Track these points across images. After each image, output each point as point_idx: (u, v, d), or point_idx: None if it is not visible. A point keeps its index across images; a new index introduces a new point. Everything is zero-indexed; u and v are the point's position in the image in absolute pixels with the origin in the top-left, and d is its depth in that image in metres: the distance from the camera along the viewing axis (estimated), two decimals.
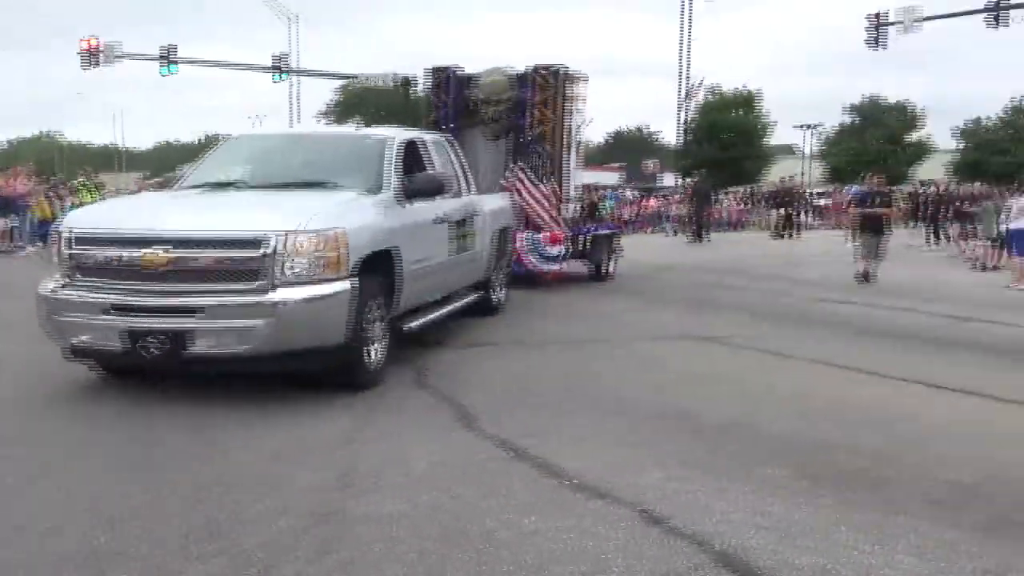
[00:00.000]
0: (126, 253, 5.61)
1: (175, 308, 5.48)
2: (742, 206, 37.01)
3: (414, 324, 7.12)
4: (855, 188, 26.56)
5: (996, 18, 31.59)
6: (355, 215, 6.10)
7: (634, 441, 5.14)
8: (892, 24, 34.49)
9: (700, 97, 49.93)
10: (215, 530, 3.80)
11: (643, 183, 50.40)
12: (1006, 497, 4.37)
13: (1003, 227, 15.56)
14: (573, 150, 13.04)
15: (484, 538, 3.71)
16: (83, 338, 5.77)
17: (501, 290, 9.98)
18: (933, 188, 26.65)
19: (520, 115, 12.36)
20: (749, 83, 67.47)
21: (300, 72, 40.46)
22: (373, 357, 6.32)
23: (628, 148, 76.85)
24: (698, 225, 25.64)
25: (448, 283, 8.14)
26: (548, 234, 11.95)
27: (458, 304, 8.36)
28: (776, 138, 59.04)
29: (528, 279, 12.03)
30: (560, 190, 12.50)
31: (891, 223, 14.39)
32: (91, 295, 5.68)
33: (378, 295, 6.36)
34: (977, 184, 29.69)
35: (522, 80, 12.37)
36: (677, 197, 32.65)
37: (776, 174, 50.08)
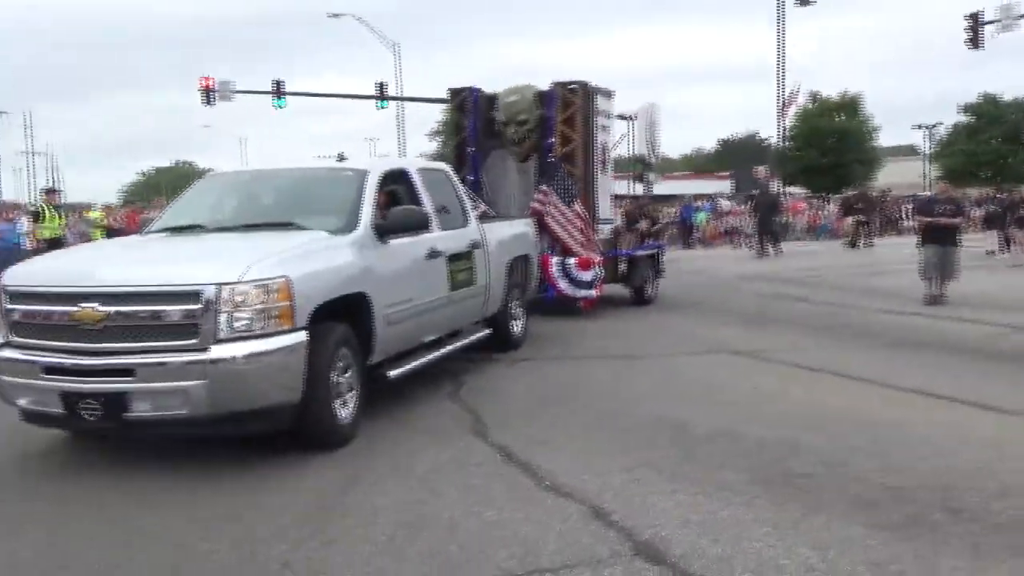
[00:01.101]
0: (60, 309, 5.23)
1: (109, 369, 5.06)
2: (816, 212, 35.49)
3: (398, 371, 6.58)
4: (925, 195, 24.97)
5: None
6: (308, 260, 5.58)
7: (618, 449, 5.52)
8: (990, 23, 32.70)
9: (800, 102, 48.27)
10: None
11: (754, 190, 49.06)
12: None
13: None
14: (605, 168, 12.37)
15: (448, 527, 4.31)
16: (25, 401, 5.43)
17: (520, 323, 9.37)
18: (1006, 195, 24.74)
19: (545, 135, 11.77)
20: (851, 86, 64.39)
21: (400, 98, 41.17)
22: (344, 411, 5.80)
23: (738, 154, 74.44)
24: (761, 238, 24.46)
25: (446, 322, 7.58)
26: (579, 259, 11.29)
27: (458, 344, 7.78)
28: (895, 138, 55.82)
29: (564, 306, 11.41)
30: (590, 211, 11.84)
31: (959, 235, 13.07)
32: (28, 355, 5.32)
33: (347, 344, 5.85)
34: None
35: (545, 98, 11.78)
36: (740, 209, 31.01)
37: (888, 177, 47.80)
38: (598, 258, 11.47)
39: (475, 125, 12.20)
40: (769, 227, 24.55)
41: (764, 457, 5.26)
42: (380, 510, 4.57)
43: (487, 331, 8.46)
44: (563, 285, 11.33)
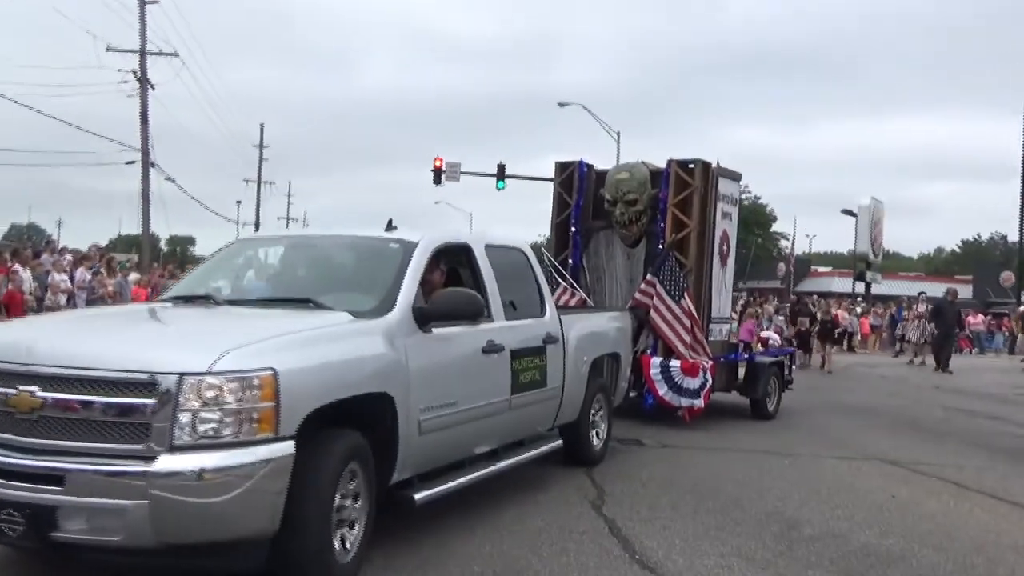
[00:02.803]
0: None
1: (37, 474, 3.94)
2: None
3: (427, 493, 5.25)
4: None
5: None
6: (309, 349, 4.37)
7: (720, 536, 5.69)
8: None
9: None
10: None
11: (999, 298, 46.34)
12: None
13: None
14: (725, 261, 10.85)
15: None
16: None
17: (602, 433, 7.90)
18: None
19: (656, 218, 10.42)
20: None
21: None
22: (346, 545, 4.51)
23: (983, 258, 69.78)
24: (938, 353, 21.48)
25: (505, 430, 6.23)
26: (683, 363, 9.75)
27: (518, 458, 6.40)
28: None
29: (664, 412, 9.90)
30: (701, 307, 10.32)
31: None
32: None
33: (359, 457, 4.59)
34: None
35: (658, 178, 10.46)
36: (910, 314, 26.83)
37: None
38: (707, 363, 9.89)
39: (580, 203, 10.99)
40: (948, 342, 21.78)
41: (861, 563, 5.30)
42: (483, 556, 5.07)
43: (557, 442, 7.03)
44: (663, 391, 9.79)
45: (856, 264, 38.91)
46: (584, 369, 7.36)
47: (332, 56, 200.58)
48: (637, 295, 10.21)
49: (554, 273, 10.75)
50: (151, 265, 25.53)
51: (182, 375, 3.86)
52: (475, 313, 5.40)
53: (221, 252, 6.36)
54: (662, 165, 10.49)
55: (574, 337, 7.20)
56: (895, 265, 69.63)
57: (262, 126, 54.19)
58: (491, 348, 5.83)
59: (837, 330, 19.76)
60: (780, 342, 18.86)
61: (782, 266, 49.62)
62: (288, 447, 4.05)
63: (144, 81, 29.31)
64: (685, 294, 9.89)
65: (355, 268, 5.77)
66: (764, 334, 18.84)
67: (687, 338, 9.87)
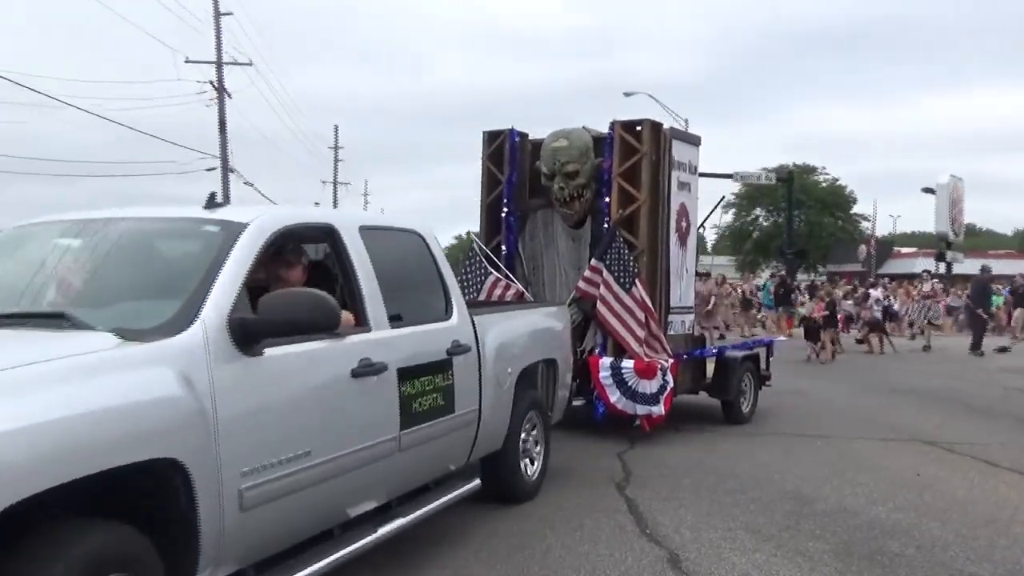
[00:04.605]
0: None
1: None
2: None
3: None
4: None
5: None
6: (21, 398, 2.66)
7: (732, 513, 5.87)
8: None
9: None
10: None
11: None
12: None
13: None
14: (685, 240, 9.26)
15: (543, 551, 5.03)
16: None
17: (536, 462, 6.29)
18: None
19: (602, 192, 8.80)
20: None
21: None
22: None
23: None
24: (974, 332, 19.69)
25: (394, 479, 4.56)
26: (637, 362, 8.16)
27: (416, 514, 4.72)
28: None
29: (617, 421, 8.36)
30: (659, 297, 8.73)
31: None
32: None
33: (123, 567, 2.90)
34: None
35: (602, 145, 8.84)
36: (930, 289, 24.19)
37: None
38: (666, 361, 8.31)
39: (513, 179, 9.32)
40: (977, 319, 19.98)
41: (865, 535, 5.40)
42: (498, 532, 5.34)
43: (472, 483, 5.37)
44: (615, 397, 8.18)
45: (938, 244, 37.73)
46: (509, 383, 5.73)
47: (400, 55, 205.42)
48: (581, 284, 8.59)
49: (486, 263, 9.12)
50: None
51: None
52: (326, 321, 3.69)
53: None
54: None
55: (494, 343, 5.56)
56: (987, 243, 67.42)
57: (336, 127, 57.15)
58: (366, 369, 4.16)
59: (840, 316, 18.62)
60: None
61: (863, 248, 47.72)
62: None
63: (221, 90, 30.30)
64: (637, 281, 8.28)
65: (149, 264, 4.00)
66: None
67: (640, 333, 8.26)
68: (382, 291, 4.51)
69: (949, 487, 6.68)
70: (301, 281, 4.37)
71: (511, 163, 9.29)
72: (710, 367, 9.68)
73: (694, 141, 9.38)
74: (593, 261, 8.49)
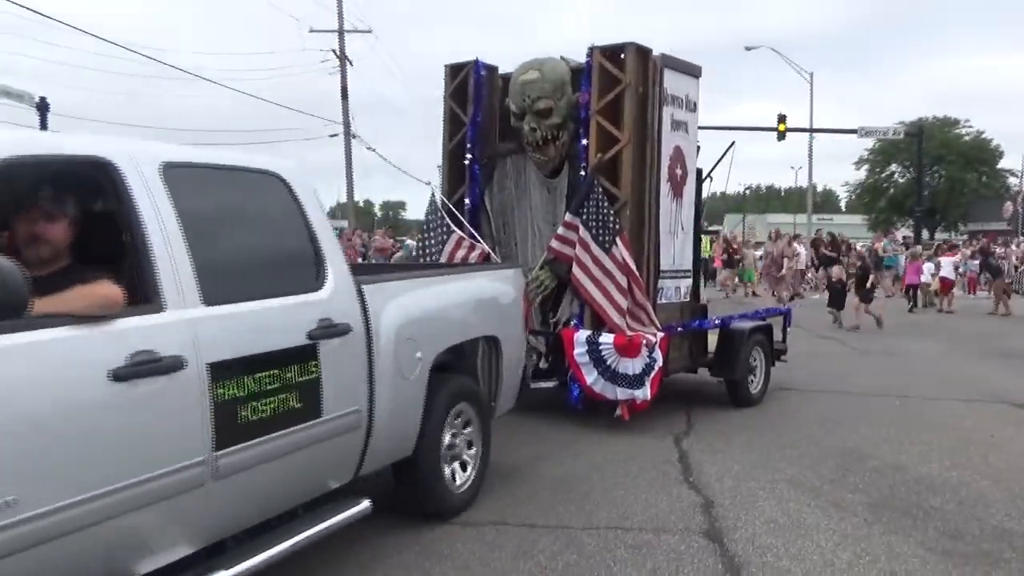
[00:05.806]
0: None
1: None
2: None
3: None
4: None
5: None
6: None
7: (781, 466, 5.85)
8: None
9: None
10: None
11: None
12: None
13: None
14: (680, 191, 7.79)
15: (587, 489, 5.29)
16: None
17: (469, 467, 4.98)
18: None
19: (581, 133, 7.36)
20: None
21: (803, 130, 37.56)
22: None
23: None
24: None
25: (213, 516, 3.26)
26: (617, 337, 6.79)
27: (258, 558, 3.44)
28: None
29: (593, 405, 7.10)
30: (647, 259, 7.31)
31: None
32: None
33: None
34: None
35: (580, 76, 7.38)
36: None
37: None
38: (654, 336, 6.93)
39: (478, 119, 7.92)
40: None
41: (909, 489, 5.34)
42: (548, 475, 5.59)
43: (361, 506, 4.04)
44: (592, 378, 6.83)
45: None
46: (420, 370, 4.39)
47: (516, 18, 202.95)
48: (554, 244, 7.19)
49: (448, 219, 7.78)
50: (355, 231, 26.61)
51: None
52: (6, 299, 2.39)
53: None
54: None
55: (395, 320, 4.21)
56: None
57: None
58: (141, 368, 2.86)
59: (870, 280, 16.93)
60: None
61: (1008, 206, 44.87)
62: None
63: (343, 58, 30.96)
64: (618, 239, 6.87)
65: None
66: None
67: (622, 302, 6.86)
68: (194, 255, 3.19)
69: (1017, 448, 6.42)
70: (65, 241, 3.07)
71: (476, 101, 7.87)
72: (712, 340, 8.27)
73: (693, 71, 7.83)
74: (568, 216, 7.07)
